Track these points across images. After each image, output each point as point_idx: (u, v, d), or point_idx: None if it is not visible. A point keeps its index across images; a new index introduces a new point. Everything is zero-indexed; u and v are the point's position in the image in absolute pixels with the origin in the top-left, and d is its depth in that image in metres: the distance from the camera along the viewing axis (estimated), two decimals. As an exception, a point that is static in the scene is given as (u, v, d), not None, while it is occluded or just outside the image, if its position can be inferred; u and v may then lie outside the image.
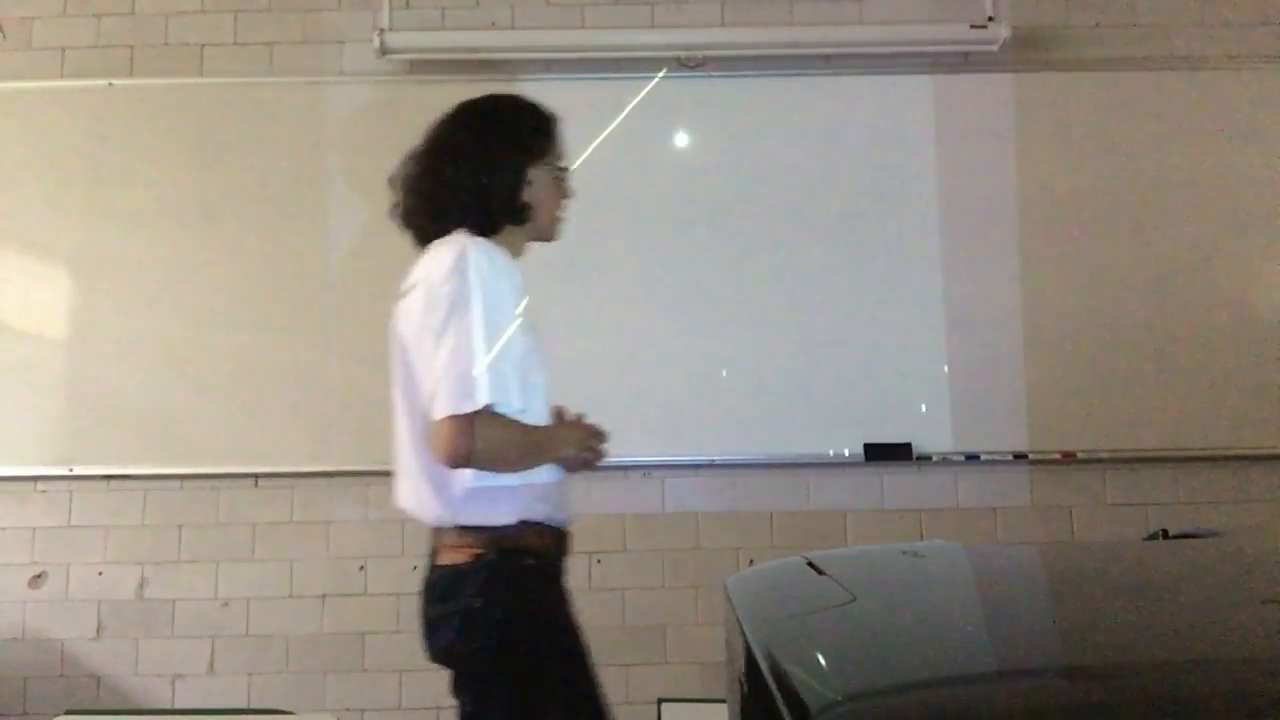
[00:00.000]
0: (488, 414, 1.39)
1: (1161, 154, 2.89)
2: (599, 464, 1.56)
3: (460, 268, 1.44)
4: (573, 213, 1.66)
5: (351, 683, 2.77)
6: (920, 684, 0.57)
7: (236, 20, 2.96)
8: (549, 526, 1.49)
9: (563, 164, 1.64)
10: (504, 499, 1.46)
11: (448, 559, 1.46)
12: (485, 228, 1.53)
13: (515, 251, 1.58)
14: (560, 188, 1.64)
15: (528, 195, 1.58)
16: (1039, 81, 2.90)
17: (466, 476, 1.44)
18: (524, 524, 1.46)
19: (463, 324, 1.42)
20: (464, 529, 1.45)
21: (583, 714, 1.50)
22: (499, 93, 1.69)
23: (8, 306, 2.82)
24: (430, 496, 1.47)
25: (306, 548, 2.80)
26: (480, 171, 1.55)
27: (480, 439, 1.38)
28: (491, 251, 1.48)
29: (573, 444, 1.54)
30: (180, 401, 2.78)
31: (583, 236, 2.83)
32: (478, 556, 1.43)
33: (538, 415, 1.50)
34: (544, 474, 1.50)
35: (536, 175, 1.58)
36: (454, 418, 1.37)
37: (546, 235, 1.65)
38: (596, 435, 1.56)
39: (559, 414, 1.60)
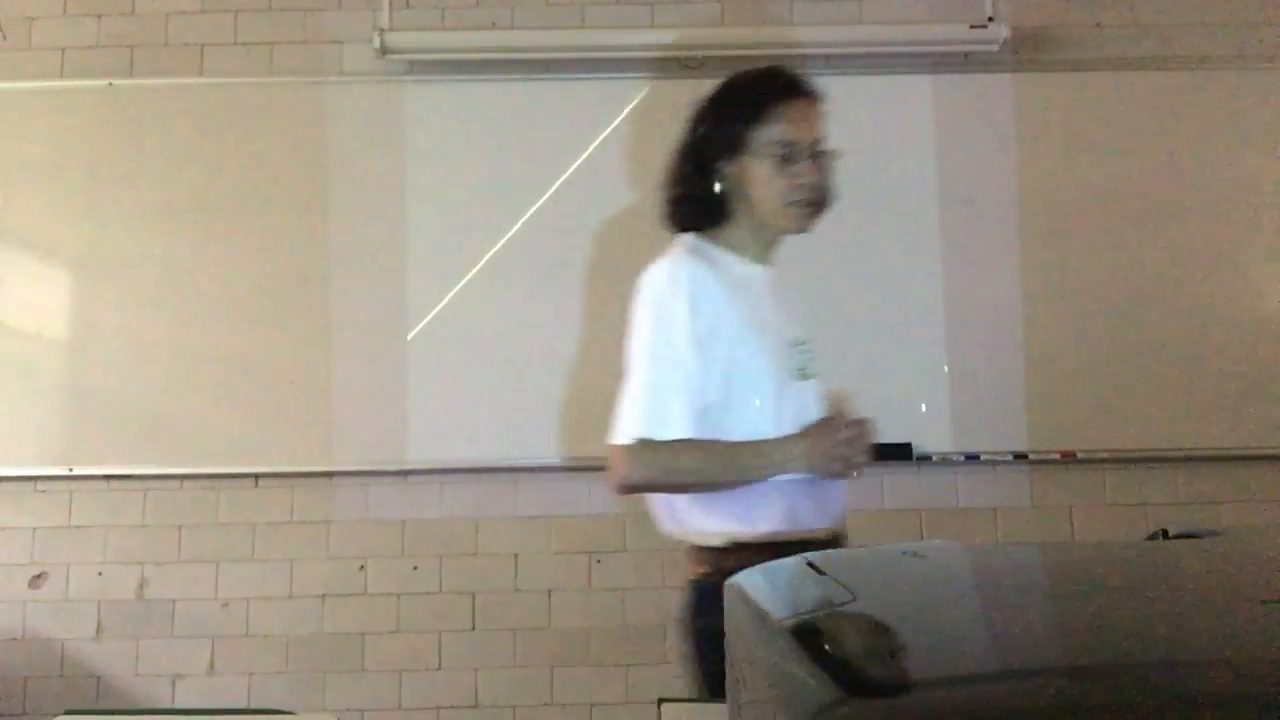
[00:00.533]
0: (642, 442, 1.39)
1: (1161, 154, 2.89)
2: (856, 471, 1.44)
3: (641, 289, 1.45)
4: (785, 194, 1.47)
5: (351, 683, 2.77)
6: (920, 684, 0.57)
7: (236, 20, 2.96)
8: (773, 544, 1.39)
9: (784, 144, 1.45)
10: (716, 515, 1.44)
11: (687, 573, 1.52)
12: (694, 228, 1.51)
13: (747, 249, 1.51)
14: (782, 170, 1.45)
15: (737, 188, 1.48)
16: (1039, 81, 2.90)
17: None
18: (740, 546, 1.41)
19: (634, 350, 1.45)
20: (694, 547, 1.48)
21: None
22: (735, 73, 1.53)
23: (8, 306, 2.82)
24: (659, 512, 1.53)
25: (306, 548, 2.80)
26: (678, 168, 1.52)
27: (639, 466, 1.40)
28: (678, 268, 1.43)
29: (802, 456, 1.42)
30: (180, 401, 2.78)
31: (582, 236, 2.84)
32: (703, 575, 1.47)
33: (758, 427, 1.42)
34: (769, 487, 1.43)
35: (746, 165, 1.46)
36: (612, 446, 1.42)
37: (781, 227, 1.50)
38: (848, 442, 1.42)
39: (834, 414, 1.47)
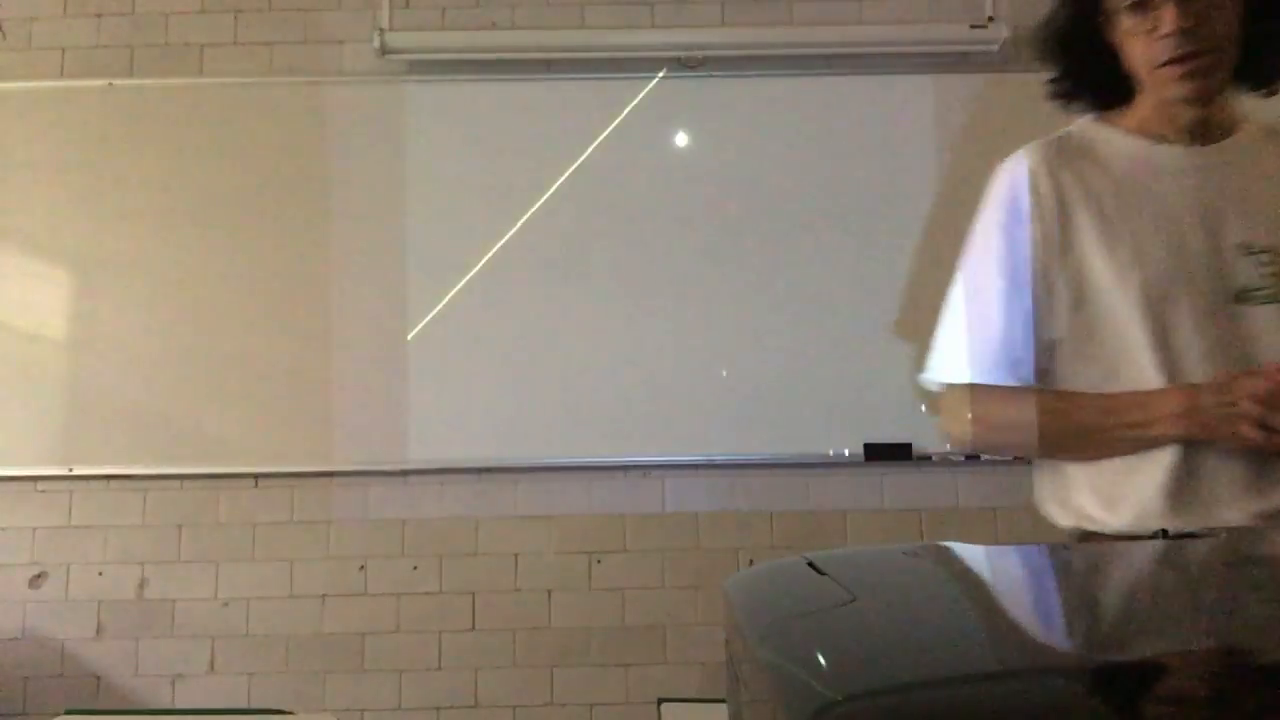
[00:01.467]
0: (950, 388, 1.20)
1: (1161, 154, 2.88)
2: None
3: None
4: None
5: (351, 683, 2.77)
6: (920, 684, 0.57)
7: (236, 20, 2.96)
8: (1132, 537, 1.07)
9: None
10: (1061, 489, 1.15)
11: None
12: (1097, 107, 1.23)
13: (1153, 127, 1.18)
14: (1141, 23, 1.12)
15: (1117, 49, 1.16)
16: (1039, 82, 2.89)
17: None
18: (1089, 535, 1.11)
19: (961, 277, 1.21)
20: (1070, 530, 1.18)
21: None
22: None
23: (8, 306, 2.82)
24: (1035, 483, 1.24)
25: (306, 548, 2.80)
26: (1053, 37, 1.23)
27: (947, 414, 1.20)
28: (1011, 166, 1.21)
29: (1183, 414, 1.03)
30: (180, 401, 2.78)
31: (582, 236, 2.84)
32: None
33: (1135, 369, 1.07)
34: (1146, 457, 1.07)
35: (1115, 23, 1.16)
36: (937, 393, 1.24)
37: (1164, 95, 1.15)
38: (1261, 398, 1.00)
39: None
